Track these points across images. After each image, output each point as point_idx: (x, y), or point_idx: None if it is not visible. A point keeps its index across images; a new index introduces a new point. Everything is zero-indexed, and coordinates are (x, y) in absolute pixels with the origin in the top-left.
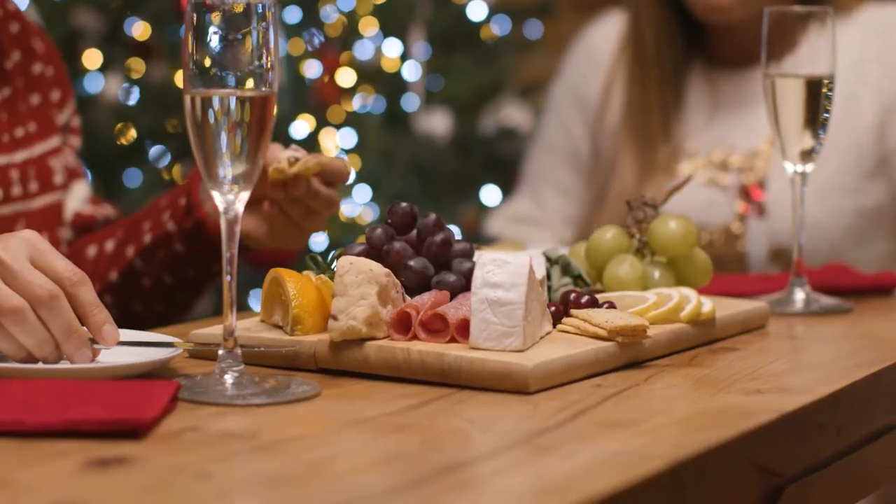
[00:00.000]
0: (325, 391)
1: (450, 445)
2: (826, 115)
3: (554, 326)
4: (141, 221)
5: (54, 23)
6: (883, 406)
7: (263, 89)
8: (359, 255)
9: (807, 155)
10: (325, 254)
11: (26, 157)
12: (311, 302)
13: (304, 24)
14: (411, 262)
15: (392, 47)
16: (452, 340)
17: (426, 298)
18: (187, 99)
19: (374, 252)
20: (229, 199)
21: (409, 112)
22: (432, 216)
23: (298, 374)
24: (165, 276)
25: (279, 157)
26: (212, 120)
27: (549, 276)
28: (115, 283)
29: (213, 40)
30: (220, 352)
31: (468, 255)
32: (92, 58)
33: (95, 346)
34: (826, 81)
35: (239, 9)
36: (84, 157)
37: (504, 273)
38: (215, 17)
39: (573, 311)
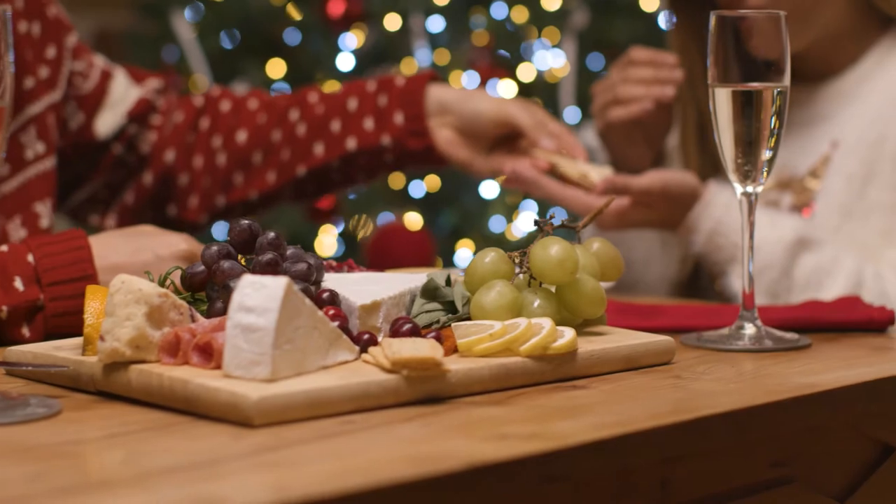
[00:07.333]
0: (70, 413)
1: (55, 475)
2: (773, 131)
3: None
4: (327, 120)
5: (207, 38)
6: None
7: None
8: (197, 274)
9: (747, 175)
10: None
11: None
12: None
13: (453, 34)
14: (231, 283)
15: (553, 58)
16: (218, 367)
17: (216, 321)
18: None
19: (209, 271)
20: None
21: (572, 125)
22: (270, 234)
23: (78, 395)
24: (360, 175)
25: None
26: None
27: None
28: (302, 177)
29: None
30: None
31: (305, 277)
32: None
33: None
34: (775, 93)
35: None
36: None
37: (259, 297)
38: None
39: (381, 341)
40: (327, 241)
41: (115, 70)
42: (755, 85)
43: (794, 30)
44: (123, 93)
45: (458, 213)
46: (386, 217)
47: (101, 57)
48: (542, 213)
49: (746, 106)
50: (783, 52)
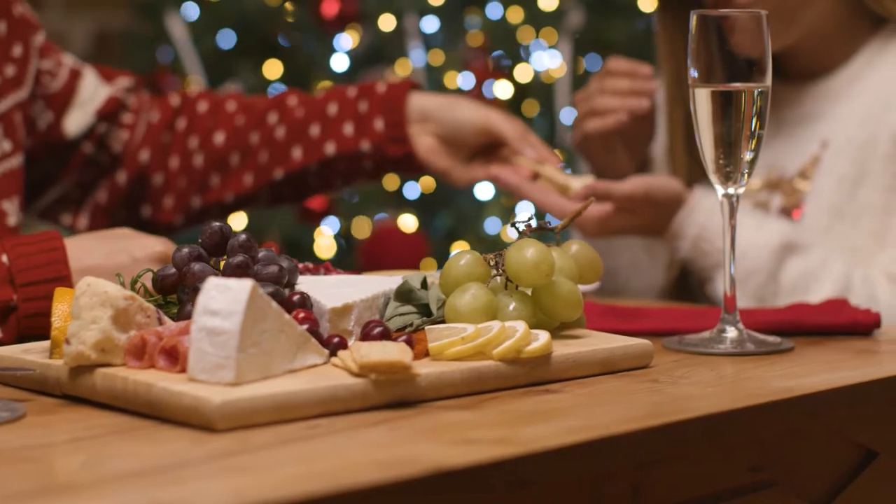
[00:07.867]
0: (35, 417)
1: (17, 479)
2: (754, 132)
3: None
4: (306, 124)
5: (202, 38)
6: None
7: None
8: (168, 276)
9: (728, 176)
10: None
11: None
12: None
13: (448, 34)
14: (201, 285)
15: (549, 58)
16: (184, 370)
17: (182, 325)
18: None
19: (180, 273)
20: None
21: (568, 126)
22: (241, 237)
23: (44, 399)
24: (338, 181)
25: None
26: None
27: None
28: (279, 181)
29: None
30: None
31: (276, 280)
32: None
33: None
34: (756, 93)
35: None
36: None
37: (224, 299)
38: None
39: (351, 344)
40: (325, 243)
41: (84, 69)
42: (736, 85)
43: (780, 28)
44: (93, 91)
45: (453, 215)
46: (382, 219)
47: (71, 56)
48: (538, 215)
49: (727, 106)
50: (765, 52)
